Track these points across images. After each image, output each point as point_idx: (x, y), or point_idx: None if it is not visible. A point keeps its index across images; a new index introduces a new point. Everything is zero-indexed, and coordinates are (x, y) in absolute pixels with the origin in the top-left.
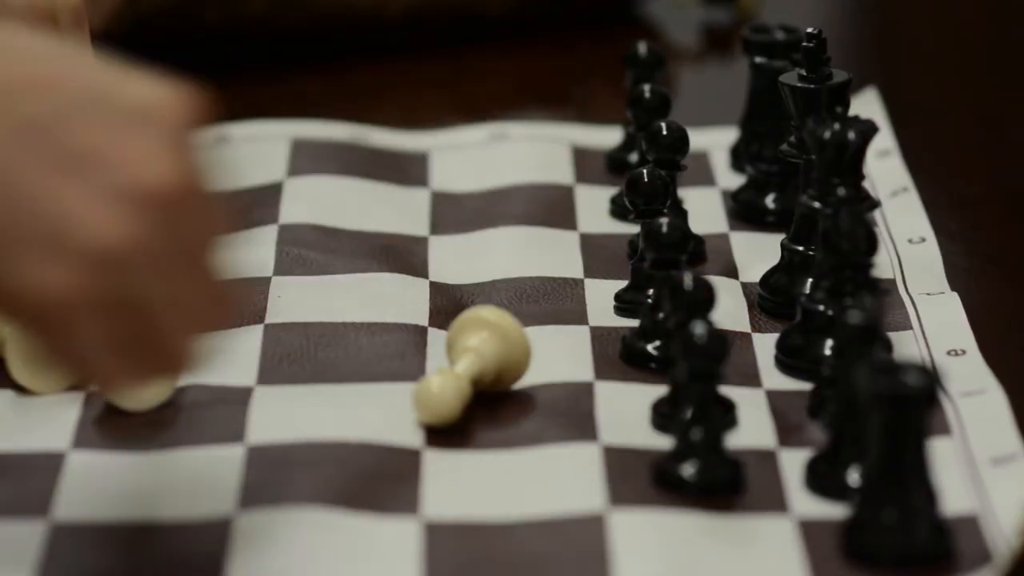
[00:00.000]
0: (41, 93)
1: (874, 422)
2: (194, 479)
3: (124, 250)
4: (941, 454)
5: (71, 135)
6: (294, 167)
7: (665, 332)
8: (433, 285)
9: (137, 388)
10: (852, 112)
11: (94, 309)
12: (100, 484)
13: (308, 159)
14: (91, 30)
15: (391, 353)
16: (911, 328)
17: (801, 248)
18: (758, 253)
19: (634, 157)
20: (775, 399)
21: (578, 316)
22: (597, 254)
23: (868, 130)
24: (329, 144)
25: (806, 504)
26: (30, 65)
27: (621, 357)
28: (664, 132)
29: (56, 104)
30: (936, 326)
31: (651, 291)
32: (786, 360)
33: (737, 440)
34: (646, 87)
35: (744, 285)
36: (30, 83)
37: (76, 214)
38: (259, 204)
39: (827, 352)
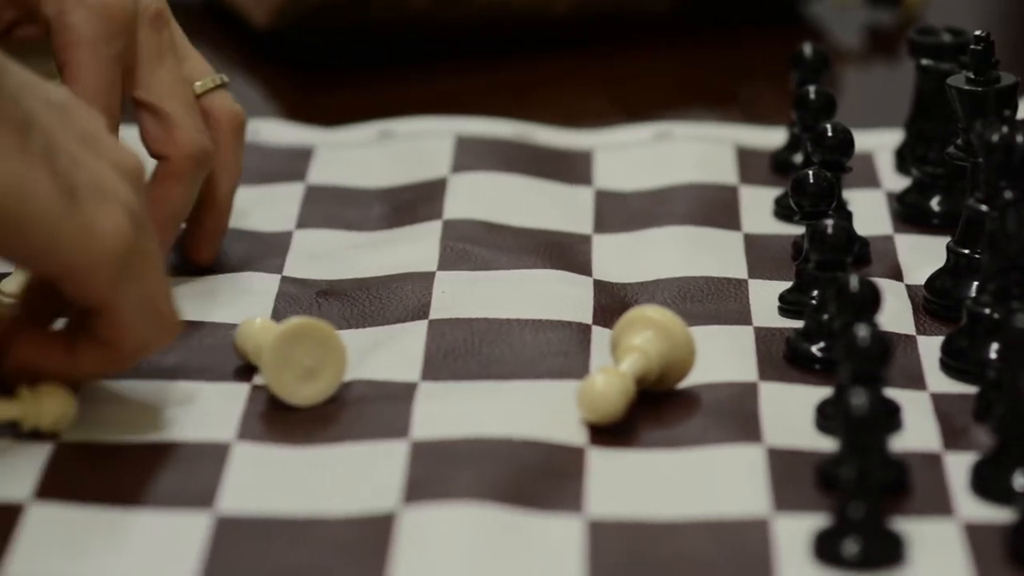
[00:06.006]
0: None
1: None
2: (358, 474)
3: (140, 208)
4: None
5: (78, 120)
6: (458, 163)
7: (830, 333)
8: (597, 283)
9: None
10: (1020, 115)
11: (132, 258)
12: (265, 477)
13: (472, 156)
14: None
15: (555, 351)
16: None
17: (967, 251)
18: (923, 256)
19: (799, 158)
20: (940, 402)
21: (742, 316)
22: (761, 255)
23: None
24: (493, 141)
25: (971, 508)
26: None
27: (785, 358)
28: (829, 133)
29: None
30: None
31: (815, 292)
32: (951, 363)
33: (902, 443)
34: (811, 88)
35: (909, 287)
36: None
37: (107, 175)
38: (423, 200)
39: (993, 355)
